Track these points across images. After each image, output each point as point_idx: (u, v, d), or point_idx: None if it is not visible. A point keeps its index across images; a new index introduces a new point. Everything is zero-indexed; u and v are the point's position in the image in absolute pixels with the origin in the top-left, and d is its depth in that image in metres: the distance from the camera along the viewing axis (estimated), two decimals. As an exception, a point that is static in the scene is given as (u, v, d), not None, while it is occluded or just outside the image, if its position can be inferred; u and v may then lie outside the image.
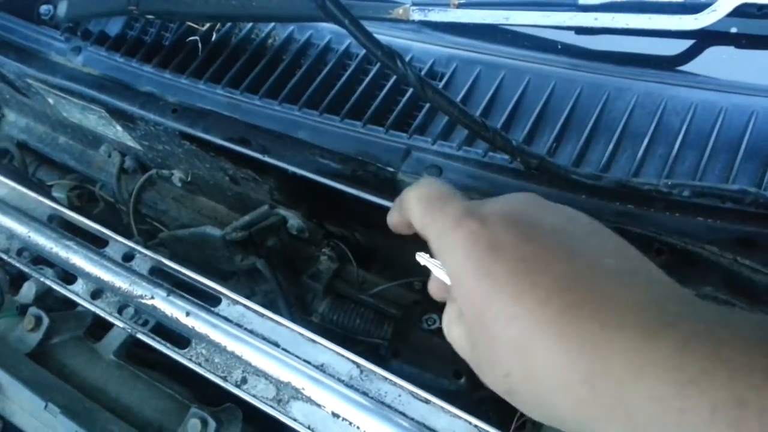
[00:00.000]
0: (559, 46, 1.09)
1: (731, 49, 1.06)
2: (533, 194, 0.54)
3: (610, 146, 0.96)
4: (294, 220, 1.26)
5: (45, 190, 1.46)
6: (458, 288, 0.48)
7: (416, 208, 0.57)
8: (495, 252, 0.46)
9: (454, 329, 0.54)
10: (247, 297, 1.02)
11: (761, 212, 0.84)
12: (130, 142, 1.35)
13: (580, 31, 1.06)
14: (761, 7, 0.96)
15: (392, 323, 1.24)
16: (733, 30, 1.03)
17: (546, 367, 0.41)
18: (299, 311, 1.29)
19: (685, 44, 1.08)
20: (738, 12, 0.96)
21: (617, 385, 0.38)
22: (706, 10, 0.95)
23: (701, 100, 0.97)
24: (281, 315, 0.98)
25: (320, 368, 0.90)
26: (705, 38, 1.05)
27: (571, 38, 1.11)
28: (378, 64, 1.11)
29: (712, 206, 0.87)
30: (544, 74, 1.04)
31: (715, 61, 1.06)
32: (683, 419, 0.35)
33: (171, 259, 1.09)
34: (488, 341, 0.45)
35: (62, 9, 1.30)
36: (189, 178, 1.35)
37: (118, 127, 1.29)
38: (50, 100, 1.38)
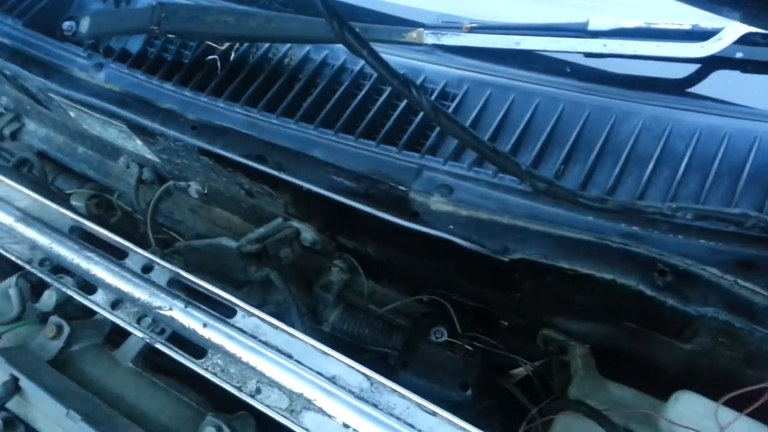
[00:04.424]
0: (568, 69, 1.12)
1: (737, 73, 1.08)
2: None
3: (617, 169, 0.99)
4: (307, 233, 1.30)
5: (65, 201, 1.49)
6: None
7: None
8: None
9: None
10: (259, 306, 1.05)
11: (762, 236, 0.87)
12: (149, 155, 1.39)
13: (590, 54, 1.08)
14: (765, 35, 0.98)
15: (401, 333, 1.27)
16: (739, 55, 1.06)
17: None
18: (311, 320, 1.32)
19: (692, 67, 1.10)
20: (743, 39, 0.99)
21: None
22: (713, 38, 0.98)
23: (706, 124, 0.99)
24: (293, 324, 1.02)
25: (332, 380, 0.93)
26: (711, 62, 1.07)
27: (580, 59, 1.14)
28: (391, 85, 1.14)
29: (714, 229, 0.90)
30: (553, 97, 1.07)
31: (721, 85, 1.09)
32: None
33: (186, 267, 1.12)
34: None
35: (85, 26, 1.34)
36: (205, 190, 1.38)
37: (138, 141, 1.33)
38: (71, 114, 1.42)
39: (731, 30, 0.96)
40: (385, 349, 1.27)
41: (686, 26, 1.01)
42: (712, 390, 0.92)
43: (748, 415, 0.88)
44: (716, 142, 0.98)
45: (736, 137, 0.97)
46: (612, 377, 1.10)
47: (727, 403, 0.90)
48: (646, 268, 0.92)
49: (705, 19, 1.03)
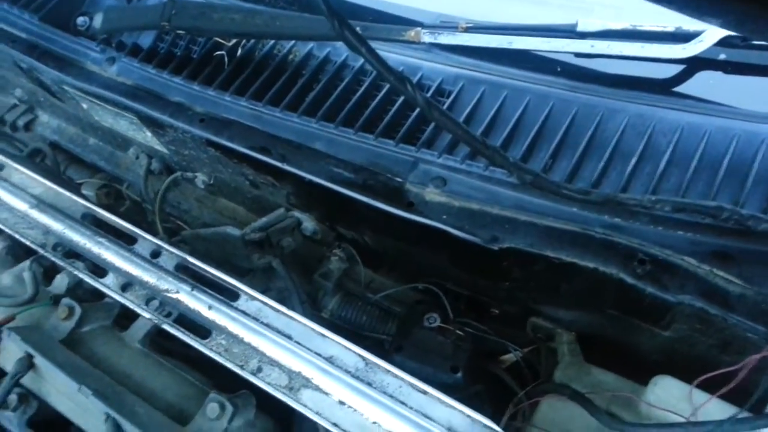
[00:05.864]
0: (558, 68, 1.17)
1: (719, 74, 1.13)
2: None
3: (602, 163, 1.04)
4: (308, 223, 1.35)
5: (77, 189, 1.54)
6: None
7: None
8: None
9: None
10: (262, 292, 1.10)
11: (736, 227, 0.92)
12: (158, 146, 1.44)
13: (579, 54, 1.13)
14: (744, 38, 1.03)
15: (396, 320, 1.32)
16: (722, 57, 1.11)
17: None
18: (311, 307, 1.37)
19: (677, 68, 1.15)
20: (724, 42, 1.04)
21: None
22: (694, 41, 1.02)
23: (687, 122, 1.04)
24: (294, 310, 1.06)
25: (329, 360, 0.98)
26: (695, 63, 1.12)
27: (570, 59, 1.19)
28: (390, 81, 1.20)
29: (691, 221, 0.95)
30: (544, 95, 1.12)
31: (704, 85, 1.14)
32: None
33: (192, 255, 1.17)
34: None
35: (98, 21, 1.39)
36: (212, 181, 1.44)
37: (148, 133, 1.39)
38: (84, 106, 1.48)
39: (712, 33, 1.01)
40: (382, 335, 1.33)
41: (670, 28, 1.06)
42: (690, 376, 0.97)
43: (720, 397, 0.93)
44: (697, 139, 1.03)
45: (715, 135, 1.02)
46: (596, 363, 1.15)
47: (701, 387, 0.95)
48: (627, 257, 0.97)
49: (689, 21, 1.08)
